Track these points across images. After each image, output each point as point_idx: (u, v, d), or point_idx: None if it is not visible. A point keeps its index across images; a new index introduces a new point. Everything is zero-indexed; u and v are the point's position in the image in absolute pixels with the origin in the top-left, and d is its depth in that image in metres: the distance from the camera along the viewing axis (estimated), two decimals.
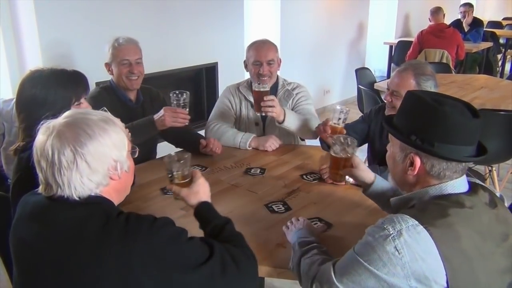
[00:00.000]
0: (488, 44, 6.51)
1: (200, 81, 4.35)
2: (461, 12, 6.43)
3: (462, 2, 7.31)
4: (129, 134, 1.22)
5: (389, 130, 1.21)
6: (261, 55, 2.40)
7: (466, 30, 6.32)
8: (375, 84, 4.22)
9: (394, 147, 1.22)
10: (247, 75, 2.61)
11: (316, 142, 2.48)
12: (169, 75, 3.93)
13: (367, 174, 1.54)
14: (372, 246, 1.05)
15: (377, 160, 2.16)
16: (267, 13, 5.10)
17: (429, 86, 1.95)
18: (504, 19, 9.73)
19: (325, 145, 2.35)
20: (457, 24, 6.28)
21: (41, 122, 1.11)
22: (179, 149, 2.46)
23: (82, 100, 1.65)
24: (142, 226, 1.05)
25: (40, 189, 1.11)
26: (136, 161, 1.27)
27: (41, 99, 1.56)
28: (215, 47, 4.22)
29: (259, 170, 2.16)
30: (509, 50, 7.48)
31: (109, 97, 2.27)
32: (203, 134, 2.57)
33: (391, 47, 6.77)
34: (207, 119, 2.61)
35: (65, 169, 1.04)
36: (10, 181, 1.63)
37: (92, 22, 3.14)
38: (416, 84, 1.94)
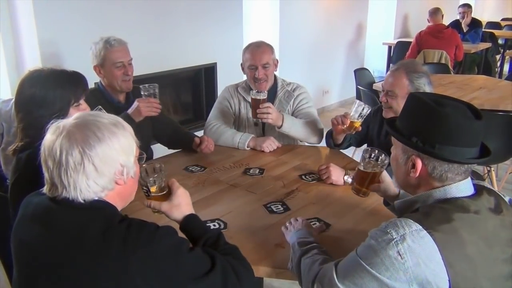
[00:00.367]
0: (487, 45, 6.51)
1: (199, 82, 4.35)
2: (460, 13, 6.43)
3: (460, 3, 7.33)
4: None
5: (390, 132, 1.21)
6: (255, 59, 2.38)
7: (465, 31, 6.33)
8: (374, 84, 4.22)
9: (396, 149, 1.21)
10: (245, 76, 2.61)
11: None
12: (168, 76, 3.93)
13: (392, 187, 1.49)
14: (374, 250, 1.05)
15: None
16: (266, 14, 5.10)
17: (422, 83, 1.97)
18: (503, 19, 9.74)
19: (331, 142, 2.35)
20: (455, 24, 6.28)
21: (50, 122, 1.11)
22: (174, 151, 2.47)
23: (81, 101, 1.65)
24: (142, 236, 1.04)
25: (45, 189, 1.10)
26: None
27: (40, 99, 1.56)
28: (214, 47, 4.22)
29: (258, 170, 2.16)
30: (507, 51, 7.46)
31: (98, 101, 2.25)
32: (202, 135, 2.57)
33: (390, 47, 6.77)
34: (206, 120, 2.61)
35: (71, 170, 1.04)
36: (9, 181, 1.63)
37: (91, 23, 3.13)
38: (409, 81, 1.96)
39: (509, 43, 7.99)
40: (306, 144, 2.57)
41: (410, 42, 5.83)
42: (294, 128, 2.37)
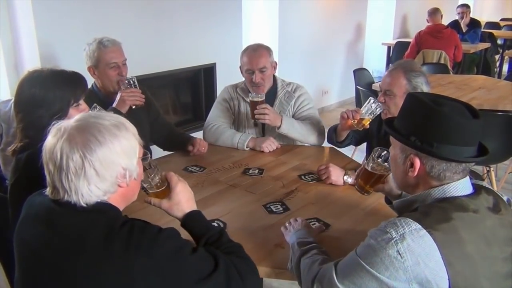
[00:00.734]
0: (486, 45, 6.52)
1: (198, 82, 4.35)
2: (458, 13, 6.44)
3: (459, 3, 7.33)
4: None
5: (389, 132, 1.21)
6: (252, 63, 2.38)
7: (464, 31, 6.33)
8: (373, 84, 4.23)
9: (395, 149, 1.22)
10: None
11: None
12: (167, 76, 3.93)
13: (393, 186, 1.48)
14: (374, 249, 1.05)
15: None
16: (265, 14, 5.10)
17: (420, 82, 1.98)
18: (502, 19, 9.74)
19: (334, 137, 2.34)
20: (454, 25, 6.29)
21: (52, 124, 1.10)
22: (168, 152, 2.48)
23: (81, 101, 1.65)
24: (144, 239, 1.03)
25: (48, 191, 1.09)
26: None
27: (39, 99, 1.56)
28: (213, 48, 4.22)
29: (257, 170, 2.16)
30: (507, 51, 7.46)
31: (93, 103, 2.26)
32: (202, 135, 2.57)
33: (389, 48, 6.78)
34: (205, 120, 2.61)
35: (72, 175, 1.03)
36: (8, 182, 1.63)
37: (90, 23, 3.13)
38: (407, 80, 1.98)
39: (508, 43, 7.99)
40: (306, 144, 2.57)
41: (409, 42, 5.83)
42: (293, 129, 2.38)
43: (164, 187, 1.32)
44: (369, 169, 1.51)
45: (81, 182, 1.03)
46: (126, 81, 2.21)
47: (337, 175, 1.96)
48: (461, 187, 1.12)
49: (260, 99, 2.31)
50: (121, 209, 1.14)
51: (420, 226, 1.03)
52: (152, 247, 1.03)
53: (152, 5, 3.61)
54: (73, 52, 3.01)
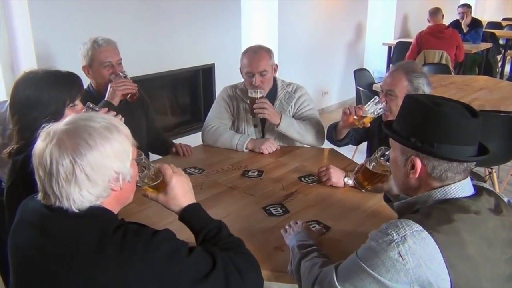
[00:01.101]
0: (488, 45, 6.53)
1: (197, 83, 4.35)
2: (459, 13, 6.45)
3: (460, 3, 7.34)
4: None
5: (388, 134, 1.22)
6: (252, 66, 2.37)
7: (465, 31, 6.34)
8: (373, 85, 4.23)
9: (395, 152, 1.22)
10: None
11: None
12: (165, 77, 3.93)
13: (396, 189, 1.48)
14: (375, 251, 1.05)
15: None
16: (264, 14, 5.11)
17: (421, 83, 1.99)
18: (504, 19, 9.77)
19: (334, 135, 2.34)
20: (456, 24, 6.30)
21: (42, 126, 1.09)
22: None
23: (77, 101, 1.65)
24: (138, 243, 1.02)
25: (39, 196, 1.08)
26: None
27: (34, 101, 1.56)
28: (212, 48, 4.23)
29: (256, 172, 2.16)
30: (509, 51, 7.48)
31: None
32: (200, 136, 2.58)
33: (389, 48, 6.79)
34: (204, 121, 2.61)
35: (63, 181, 1.01)
36: (4, 184, 1.63)
37: (87, 23, 3.14)
38: (408, 81, 1.98)
39: (510, 43, 8.00)
40: (306, 145, 2.57)
41: (410, 42, 5.84)
42: (292, 128, 2.38)
43: (159, 180, 1.30)
44: (370, 167, 1.51)
45: (72, 188, 1.02)
46: (115, 75, 2.22)
47: (337, 177, 1.96)
48: (462, 188, 1.13)
49: (259, 95, 2.32)
50: (116, 212, 1.13)
51: (421, 227, 1.03)
52: (146, 251, 1.02)
53: (150, 4, 3.61)
54: (70, 52, 3.01)
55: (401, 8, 7.33)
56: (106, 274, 1.00)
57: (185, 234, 1.25)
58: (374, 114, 2.06)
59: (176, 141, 2.68)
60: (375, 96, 2.10)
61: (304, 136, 2.43)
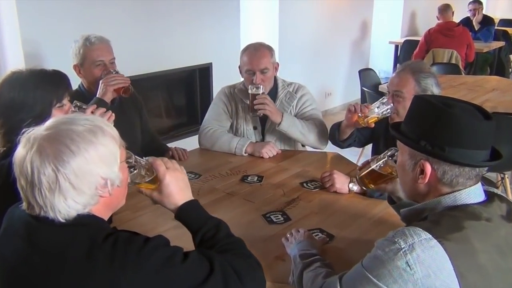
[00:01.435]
0: (500, 44, 6.54)
1: (193, 83, 4.36)
2: (470, 10, 6.47)
3: None
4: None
5: (397, 137, 1.21)
6: (253, 63, 2.38)
7: (476, 29, 6.36)
8: (379, 86, 4.24)
9: (403, 156, 1.21)
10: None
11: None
12: (160, 77, 3.94)
13: (399, 187, 1.47)
14: (381, 261, 1.05)
15: None
16: (265, 11, 5.12)
17: (430, 83, 1.99)
18: None
19: (337, 135, 2.34)
20: (466, 22, 6.31)
21: (22, 131, 1.06)
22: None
23: (65, 101, 1.66)
24: (130, 252, 1.01)
25: (24, 206, 1.07)
26: None
27: (19, 102, 1.57)
28: (209, 47, 4.23)
29: (256, 177, 2.16)
30: None
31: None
32: (196, 140, 2.58)
33: (396, 46, 6.80)
34: (201, 124, 2.61)
35: (46, 191, 1.00)
36: None
37: (77, 21, 3.14)
38: (416, 81, 1.99)
39: None
40: (308, 149, 2.57)
41: (418, 41, 5.85)
42: (294, 127, 2.38)
43: (153, 176, 1.27)
44: (377, 169, 1.50)
45: (56, 198, 1.00)
46: (106, 72, 2.21)
47: (341, 182, 1.96)
48: (473, 194, 1.12)
49: (261, 92, 2.33)
50: (106, 218, 1.12)
51: (430, 235, 1.03)
52: (139, 260, 1.01)
53: (144, 2, 3.62)
54: (60, 51, 3.02)
55: (409, 5, 7.34)
56: (96, 285, 0.99)
57: (182, 242, 1.25)
58: (380, 114, 2.07)
59: (172, 144, 2.70)
60: (384, 96, 2.10)
61: (306, 136, 2.42)
